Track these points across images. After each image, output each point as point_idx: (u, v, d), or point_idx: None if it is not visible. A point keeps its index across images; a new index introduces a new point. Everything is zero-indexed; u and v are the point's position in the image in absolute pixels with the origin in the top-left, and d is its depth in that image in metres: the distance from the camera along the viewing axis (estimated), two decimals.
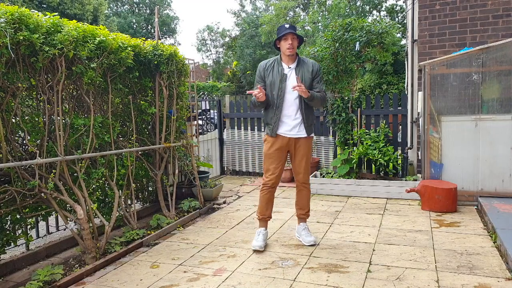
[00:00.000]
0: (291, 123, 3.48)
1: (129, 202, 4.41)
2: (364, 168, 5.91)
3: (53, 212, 3.65)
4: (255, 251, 3.52)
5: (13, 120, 3.15)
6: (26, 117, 3.31)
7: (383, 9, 22.15)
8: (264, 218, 3.69)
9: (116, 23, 29.07)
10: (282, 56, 3.51)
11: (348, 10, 19.53)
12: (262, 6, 29.40)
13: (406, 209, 4.72)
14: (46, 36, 3.07)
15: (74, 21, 3.40)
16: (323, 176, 5.95)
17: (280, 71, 3.45)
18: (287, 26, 3.41)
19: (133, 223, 4.12)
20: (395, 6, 21.45)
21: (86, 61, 3.39)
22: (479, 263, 3.08)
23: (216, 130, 7.53)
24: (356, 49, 5.65)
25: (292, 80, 3.43)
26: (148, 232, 4.08)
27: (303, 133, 3.50)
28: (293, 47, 3.39)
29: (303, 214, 3.78)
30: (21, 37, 2.84)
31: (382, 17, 21.97)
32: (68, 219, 3.45)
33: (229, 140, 7.37)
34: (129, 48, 3.83)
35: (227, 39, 30.89)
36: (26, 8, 3.02)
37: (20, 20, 2.89)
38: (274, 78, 3.44)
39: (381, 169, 5.60)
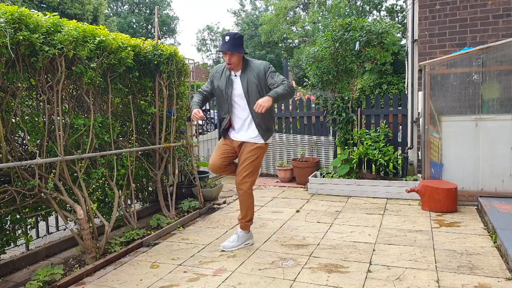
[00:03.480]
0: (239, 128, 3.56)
1: (129, 202, 4.41)
2: (364, 168, 5.91)
3: (53, 212, 3.65)
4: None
5: (13, 120, 3.15)
6: (26, 117, 3.31)
7: (383, 9, 22.15)
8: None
9: (116, 23, 29.07)
10: None
11: (348, 10, 19.54)
12: (262, 6, 29.40)
13: (406, 209, 4.72)
14: (46, 36, 3.06)
15: (74, 21, 3.40)
16: (323, 176, 5.95)
17: (226, 78, 3.46)
18: (226, 39, 3.29)
19: (133, 223, 4.12)
20: (395, 6, 21.45)
21: (86, 61, 3.38)
22: (479, 263, 3.08)
23: (216, 130, 7.51)
24: (356, 49, 5.65)
25: (235, 86, 3.44)
26: (148, 232, 4.08)
27: (251, 139, 3.51)
28: (231, 62, 3.34)
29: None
30: (21, 37, 2.84)
31: (382, 17, 21.97)
32: (68, 219, 3.45)
33: None
34: (129, 48, 3.83)
35: None
36: (26, 8, 3.02)
37: (20, 20, 2.89)
38: (220, 84, 3.48)
39: (381, 169, 5.60)
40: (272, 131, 3.63)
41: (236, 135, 3.56)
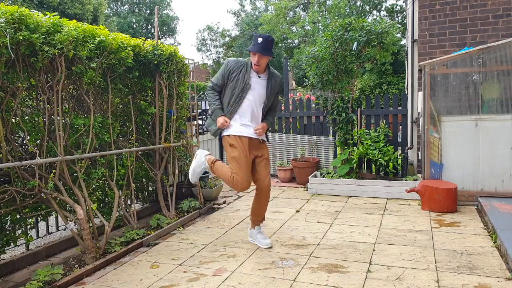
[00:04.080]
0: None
1: (129, 202, 4.41)
2: (364, 168, 5.91)
3: (53, 212, 3.65)
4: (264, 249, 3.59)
5: (13, 120, 3.15)
6: (26, 117, 3.31)
7: (383, 9, 22.15)
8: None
9: (116, 23, 29.07)
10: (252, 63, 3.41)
11: (348, 10, 19.54)
12: (262, 6, 29.41)
13: (406, 209, 4.72)
14: (46, 36, 3.06)
15: (74, 21, 3.39)
16: (323, 176, 5.95)
17: (245, 79, 3.36)
18: (259, 40, 3.26)
19: (133, 223, 4.12)
20: (395, 6, 21.46)
21: (86, 61, 3.38)
22: (479, 263, 3.08)
23: None
24: (354, 48, 5.65)
25: (255, 92, 3.39)
26: (148, 232, 4.08)
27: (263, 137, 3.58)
28: (259, 65, 3.31)
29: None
30: (21, 37, 2.84)
31: (382, 17, 21.96)
32: (68, 219, 3.45)
33: None
34: (129, 48, 3.83)
35: (227, 39, 30.90)
36: (26, 8, 3.02)
37: (20, 20, 2.89)
38: (238, 85, 3.36)
39: (381, 169, 5.60)
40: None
41: (245, 130, 3.43)
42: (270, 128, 3.46)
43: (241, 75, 3.37)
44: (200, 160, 3.72)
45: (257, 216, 3.71)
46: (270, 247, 3.57)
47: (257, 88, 3.41)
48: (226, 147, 3.49)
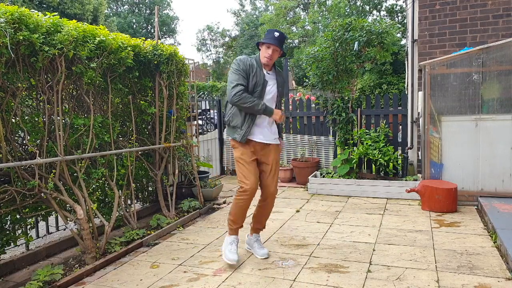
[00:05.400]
0: (263, 130, 3.29)
1: (129, 202, 4.41)
2: (364, 168, 5.91)
3: (53, 212, 3.64)
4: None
5: (13, 120, 3.15)
6: (26, 117, 3.31)
7: (383, 9, 22.15)
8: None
9: (116, 23, 29.07)
10: (260, 59, 3.24)
11: (348, 10, 19.54)
12: (262, 6, 29.40)
13: (406, 209, 4.72)
14: (46, 36, 3.06)
15: (74, 21, 3.39)
16: (323, 176, 5.95)
17: (262, 76, 3.19)
18: (276, 34, 3.16)
19: (133, 223, 4.12)
20: (395, 6, 21.45)
21: (86, 61, 3.38)
22: (479, 263, 3.08)
23: (216, 130, 7.52)
24: (355, 48, 5.65)
25: (270, 88, 3.24)
26: (148, 232, 4.08)
27: (276, 140, 3.37)
28: (271, 58, 3.19)
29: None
30: (21, 37, 2.84)
31: (382, 17, 21.96)
32: (68, 219, 3.45)
33: (229, 140, 7.35)
34: (129, 48, 3.83)
35: (227, 39, 30.90)
36: (26, 8, 3.02)
37: (20, 20, 2.89)
38: (258, 81, 3.17)
39: (381, 169, 5.60)
40: None
41: (260, 136, 3.25)
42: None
43: (258, 73, 3.18)
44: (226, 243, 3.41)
45: (258, 224, 3.51)
46: (267, 258, 3.36)
47: (271, 85, 3.26)
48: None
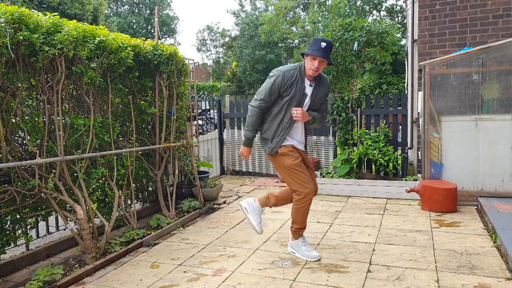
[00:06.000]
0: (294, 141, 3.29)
1: (129, 202, 4.41)
2: (364, 168, 5.91)
3: (53, 212, 3.64)
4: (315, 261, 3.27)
5: (13, 120, 3.15)
6: (26, 117, 3.31)
7: (383, 9, 22.15)
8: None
9: (116, 23, 29.06)
10: (305, 69, 3.12)
11: (348, 10, 19.54)
12: (261, 6, 29.39)
13: (406, 209, 4.72)
14: (46, 36, 3.06)
15: (74, 21, 3.40)
16: (323, 176, 5.95)
17: (302, 89, 3.11)
18: (323, 45, 3.02)
19: (133, 223, 4.12)
20: (395, 6, 21.45)
21: (86, 61, 3.38)
22: (479, 263, 3.08)
23: (216, 130, 7.53)
24: (354, 48, 5.65)
25: (306, 100, 3.18)
26: (148, 232, 4.08)
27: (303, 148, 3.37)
28: (317, 71, 3.07)
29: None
30: (21, 37, 2.84)
31: (382, 17, 21.96)
32: (68, 219, 3.45)
33: (229, 140, 7.37)
34: (129, 48, 3.83)
35: (227, 39, 30.88)
36: (26, 8, 3.02)
37: (20, 20, 2.89)
38: (294, 95, 3.09)
39: (381, 169, 5.60)
40: None
41: (296, 143, 3.27)
42: (310, 121, 3.21)
43: (298, 85, 3.09)
44: (254, 210, 3.44)
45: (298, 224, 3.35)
46: (319, 260, 3.25)
47: (309, 97, 3.18)
48: (284, 159, 3.19)
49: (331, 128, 6.48)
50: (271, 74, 3.20)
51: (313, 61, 3.05)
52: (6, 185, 3.05)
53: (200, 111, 10.92)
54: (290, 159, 3.16)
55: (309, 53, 3.04)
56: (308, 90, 3.17)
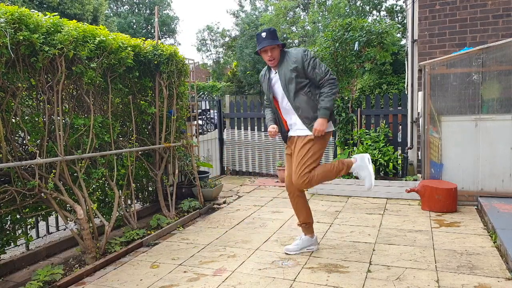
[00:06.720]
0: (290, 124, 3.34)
1: (129, 202, 4.41)
2: None
3: (53, 212, 3.65)
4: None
5: (13, 120, 3.15)
6: (26, 117, 3.31)
7: (383, 9, 22.14)
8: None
9: (116, 23, 29.06)
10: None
11: (348, 10, 19.53)
12: (261, 6, 29.39)
13: (406, 209, 4.72)
14: (46, 36, 3.06)
15: (74, 21, 3.40)
16: None
17: (268, 81, 3.28)
18: (263, 35, 3.09)
19: (133, 223, 4.12)
20: (395, 6, 21.45)
21: (86, 61, 3.38)
22: (479, 263, 3.08)
23: (216, 130, 7.53)
24: (355, 48, 5.66)
25: (276, 88, 3.23)
26: (148, 232, 4.08)
27: (300, 132, 3.23)
28: (273, 58, 3.12)
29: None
30: (21, 37, 2.84)
31: (382, 17, 21.96)
32: (68, 219, 3.45)
33: (229, 140, 7.37)
34: (129, 48, 3.84)
35: (227, 39, 30.88)
36: (26, 8, 3.02)
37: (20, 20, 2.89)
38: (266, 88, 3.30)
39: (381, 169, 5.60)
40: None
41: (291, 132, 3.34)
42: (330, 113, 3.12)
43: (266, 79, 3.29)
44: (362, 165, 3.36)
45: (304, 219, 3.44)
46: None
47: (276, 84, 3.23)
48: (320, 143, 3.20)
49: None
50: None
51: (265, 54, 3.14)
52: (6, 185, 3.05)
53: (200, 111, 10.93)
54: (321, 141, 3.20)
55: (257, 51, 3.15)
56: (274, 77, 3.25)
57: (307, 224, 3.45)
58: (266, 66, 3.34)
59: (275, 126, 3.31)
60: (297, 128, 3.23)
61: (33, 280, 2.95)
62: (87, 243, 3.38)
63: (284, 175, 3.49)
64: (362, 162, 3.33)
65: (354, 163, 3.33)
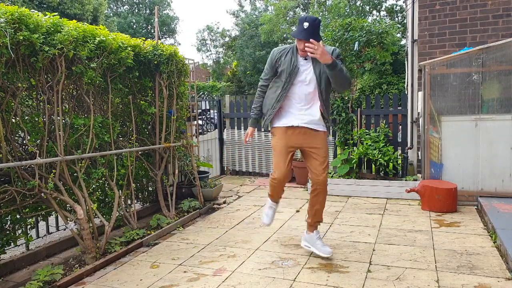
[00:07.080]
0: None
1: (129, 202, 4.41)
2: (364, 168, 5.91)
3: (53, 212, 3.65)
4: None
5: (13, 120, 3.15)
6: (26, 117, 3.31)
7: (383, 9, 22.14)
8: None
9: (116, 23, 29.06)
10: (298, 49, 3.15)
11: (348, 10, 19.54)
12: (261, 6, 29.39)
13: (406, 209, 4.72)
14: (46, 36, 3.06)
15: (74, 21, 3.40)
16: None
17: (293, 62, 3.13)
18: (305, 26, 2.95)
19: (133, 223, 4.12)
20: (395, 6, 21.45)
21: (86, 61, 3.38)
22: (479, 263, 3.08)
23: (216, 130, 7.53)
24: (355, 48, 5.66)
25: (303, 76, 3.15)
26: (148, 232, 4.08)
27: (318, 127, 3.29)
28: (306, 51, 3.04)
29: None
30: (21, 37, 2.84)
31: (382, 17, 21.97)
32: (68, 219, 3.45)
33: (229, 140, 7.37)
34: (129, 48, 3.84)
35: (227, 39, 30.88)
36: (26, 8, 3.02)
37: (20, 20, 2.89)
38: (285, 69, 3.14)
39: (381, 169, 5.60)
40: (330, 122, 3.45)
41: (302, 122, 3.24)
42: (336, 69, 2.99)
43: (288, 57, 3.14)
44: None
45: (314, 217, 3.41)
46: (330, 256, 3.27)
47: (307, 70, 3.15)
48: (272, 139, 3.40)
49: (331, 128, 6.48)
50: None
51: (299, 42, 3.07)
52: (6, 185, 3.05)
53: (200, 111, 10.93)
54: (274, 139, 3.37)
55: (294, 36, 3.06)
56: (305, 64, 3.15)
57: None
58: (290, 48, 3.19)
59: (254, 130, 3.53)
60: (315, 122, 3.26)
61: (33, 280, 2.95)
62: (87, 243, 3.38)
63: (288, 172, 3.49)
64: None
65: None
